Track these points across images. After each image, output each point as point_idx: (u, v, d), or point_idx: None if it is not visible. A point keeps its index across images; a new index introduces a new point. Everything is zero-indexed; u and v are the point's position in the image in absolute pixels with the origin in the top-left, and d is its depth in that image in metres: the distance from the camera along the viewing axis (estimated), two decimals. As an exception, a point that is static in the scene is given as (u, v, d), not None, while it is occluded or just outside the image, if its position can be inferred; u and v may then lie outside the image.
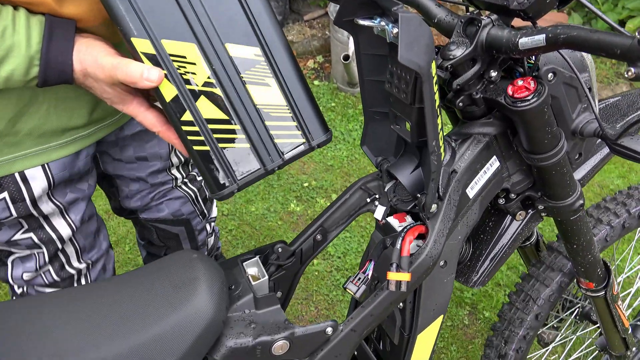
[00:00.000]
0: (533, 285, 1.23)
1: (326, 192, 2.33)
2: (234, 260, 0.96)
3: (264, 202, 2.30)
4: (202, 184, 1.38)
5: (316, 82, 2.88)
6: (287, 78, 0.82)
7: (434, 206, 0.85)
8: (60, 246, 1.09)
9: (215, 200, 1.51)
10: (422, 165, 0.88)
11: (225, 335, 0.82)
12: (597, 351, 1.59)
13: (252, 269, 0.93)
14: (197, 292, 0.79)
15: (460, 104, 0.86)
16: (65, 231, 1.08)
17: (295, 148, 0.84)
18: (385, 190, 0.97)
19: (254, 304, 0.85)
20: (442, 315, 0.98)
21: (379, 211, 0.99)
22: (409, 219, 0.98)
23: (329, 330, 0.85)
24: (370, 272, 0.85)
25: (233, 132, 0.80)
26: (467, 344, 1.81)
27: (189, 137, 0.78)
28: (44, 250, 1.08)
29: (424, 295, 0.93)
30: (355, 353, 1.14)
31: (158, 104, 0.85)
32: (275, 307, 0.85)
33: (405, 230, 0.85)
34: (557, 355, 1.59)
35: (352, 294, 0.84)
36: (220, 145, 0.80)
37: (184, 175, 1.32)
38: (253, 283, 0.88)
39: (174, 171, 1.29)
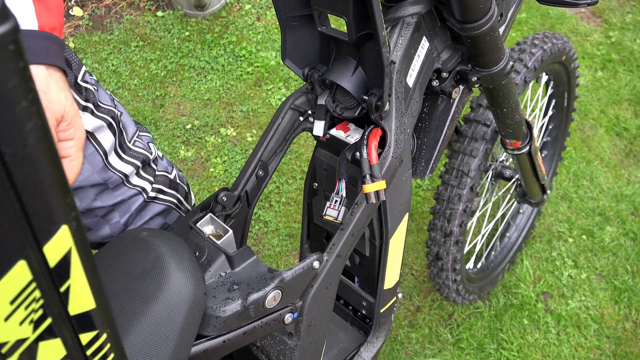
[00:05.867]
0: (462, 159, 1.26)
1: (212, 128, 2.17)
2: (181, 225, 0.84)
3: (150, 156, 2.08)
4: (179, 180, 1.04)
5: (159, 14, 2.58)
6: None
7: (387, 104, 0.79)
8: None
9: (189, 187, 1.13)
10: (362, 64, 0.81)
11: (211, 308, 0.71)
12: (513, 205, 1.74)
13: (208, 227, 0.82)
14: (166, 273, 0.67)
15: None
16: None
17: None
18: (322, 102, 0.88)
19: (228, 264, 0.75)
20: (407, 214, 0.96)
21: (318, 127, 0.91)
22: (352, 127, 0.91)
23: (316, 264, 0.78)
24: (344, 192, 0.79)
25: None
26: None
27: None
28: None
29: (389, 198, 0.90)
30: None
31: None
32: (252, 259, 0.77)
33: (366, 137, 0.79)
34: (483, 220, 1.71)
35: (334, 219, 0.78)
36: None
37: (152, 179, 0.96)
38: (218, 242, 0.78)
39: (137, 181, 0.93)
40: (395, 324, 1.71)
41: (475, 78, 0.94)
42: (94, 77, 0.87)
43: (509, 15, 0.98)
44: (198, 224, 0.81)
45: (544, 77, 1.51)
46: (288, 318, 0.79)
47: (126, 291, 0.66)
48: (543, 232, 1.88)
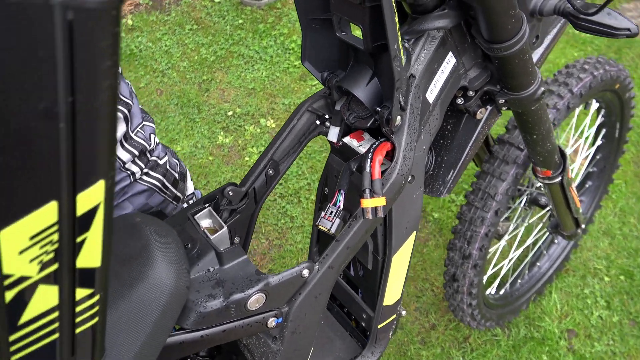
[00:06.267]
0: (490, 181, 1.21)
1: (253, 117, 2.18)
2: (182, 214, 0.84)
3: (189, 139, 2.12)
4: (168, 166, 1.15)
5: None
6: None
7: (398, 118, 0.76)
8: None
9: (189, 175, 1.25)
10: (378, 74, 0.78)
11: (192, 301, 0.71)
12: (547, 234, 1.65)
13: (206, 221, 0.82)
14: (150, 262, 0.67)
15: None
16: None
17: None
18: (338, 108, 0.86)
19: (217, 261, 0.75)
20: (414, 232, 0.92)
21: (333, 132, 0.89)
22: (367, 137, 0.89)
23: (305, 272, 0.77)
24: (341, 204, 0.77)
25: None
26: (422, 247, 1.83)
27: None
28: None
29: (395, 214, 0.87)
30: None
31: None
32: (241, 258, 0.76)
33: (372, 150, 0.76)
34: (511, 245, 1.64)
35: (327, 230, 0.76)
36: None
37: (143, 166, 1.08)
38: (211, 237, 0.77)
39: (130, 166, 1.05)
40: (407, 339, 1.67)
41: (503, 100, 0.90)
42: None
43: (548, 39, 0.92)
44: (196, 216, 0.82)
45: (594, 105, 1.42)
46: (272, 322, 0.78)
47: (112, 276, 0.67)
48: (578, 267, 1.78)
